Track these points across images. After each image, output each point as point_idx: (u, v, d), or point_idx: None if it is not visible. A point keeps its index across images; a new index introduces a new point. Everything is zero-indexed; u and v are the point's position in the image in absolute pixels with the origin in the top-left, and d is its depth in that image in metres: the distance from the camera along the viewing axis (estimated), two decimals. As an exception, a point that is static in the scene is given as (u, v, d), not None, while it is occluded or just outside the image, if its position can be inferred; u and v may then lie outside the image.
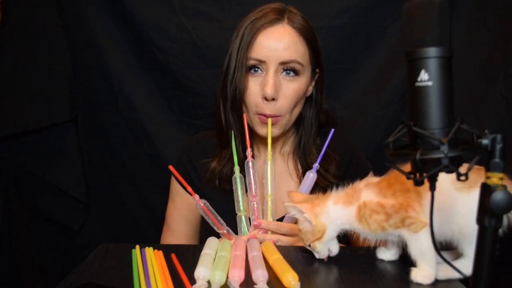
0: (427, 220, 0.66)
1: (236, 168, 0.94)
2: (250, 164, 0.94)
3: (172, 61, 1.41)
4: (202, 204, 0.91)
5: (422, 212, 0.68)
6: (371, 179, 0.78)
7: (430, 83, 0.50)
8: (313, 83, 1.05)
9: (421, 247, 0.68)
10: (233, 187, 0.94)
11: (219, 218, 0.92)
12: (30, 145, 1.47)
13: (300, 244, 0.88)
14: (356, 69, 1.41)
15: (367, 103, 1.42)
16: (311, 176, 0.94)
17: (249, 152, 0.94)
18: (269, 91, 0.93)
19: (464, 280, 0.67)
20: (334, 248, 0.78)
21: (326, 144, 0.94)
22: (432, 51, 0.50)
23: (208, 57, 1.40)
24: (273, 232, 0.90)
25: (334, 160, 1.04)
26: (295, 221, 0.92)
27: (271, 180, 0.93)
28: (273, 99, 0.94)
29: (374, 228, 0.71)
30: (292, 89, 0.96)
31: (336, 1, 1.37)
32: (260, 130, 0.99)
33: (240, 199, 0.93)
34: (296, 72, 0.96)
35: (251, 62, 0.96)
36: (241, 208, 0.93)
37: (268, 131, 0.95)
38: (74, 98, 1.46)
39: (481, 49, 1.31)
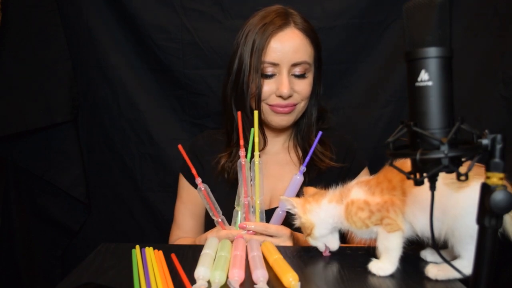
0: (402, 226, 0.72)
1: (247, 163, 0.94)
2: (243, 163, 0.94)
3: (173, 61, 1.41)
4: (203, 188, 0.92)
5: (401, 215, 0.72)
6: (363, 177, 0.80)
7: (430, 83, 0.50)
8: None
9: (388, 245, 0.73)
10: (239, 182, 0.94)
11: (216, 205, 0.93)
12: (30, 145, 1.47)
13: (287, 244, 0.88)
14: (356, 69, 1.41)
15: (367, 102, 1.42)
16: (297, 179, 0.94)
17: (242, 152, 0.94)
18: (285, 90, 1.00)
19: (464, 280, 0.67)
20: (332, 244, 0.80)
21: (313, 146, 0.96)
22: (432, 51, 0.50)
23: (209, 57, 1.40)
24: (261, 234, 0.90)
25: (329, 146, 1.09)
26: (282, 222, 0.93)
27: (258, 180, 0.93)
28: (289, 97, 1.02)
29: (360, 226, 0.74)
30: (304, 84, 1.04)
31: (336, 1, 1.37)
32: (273, 120, 1.05)
33: (242, 195, 0.94)
34: (306, 71, 1.04)
35: (266, 65, 1.01)
36: (240, 203, 0.94)
37: (255, 124, 0.94)
38: (74, 98, 1.47)
39: (481, 49, 1.31)
